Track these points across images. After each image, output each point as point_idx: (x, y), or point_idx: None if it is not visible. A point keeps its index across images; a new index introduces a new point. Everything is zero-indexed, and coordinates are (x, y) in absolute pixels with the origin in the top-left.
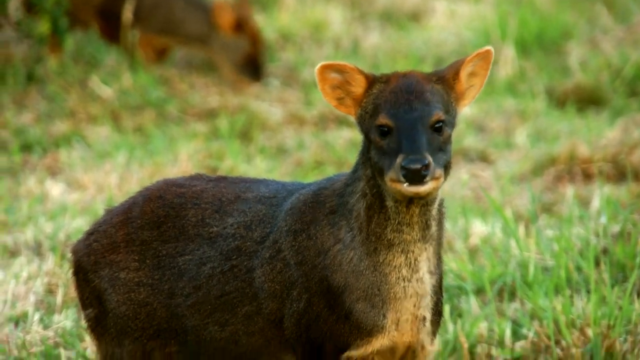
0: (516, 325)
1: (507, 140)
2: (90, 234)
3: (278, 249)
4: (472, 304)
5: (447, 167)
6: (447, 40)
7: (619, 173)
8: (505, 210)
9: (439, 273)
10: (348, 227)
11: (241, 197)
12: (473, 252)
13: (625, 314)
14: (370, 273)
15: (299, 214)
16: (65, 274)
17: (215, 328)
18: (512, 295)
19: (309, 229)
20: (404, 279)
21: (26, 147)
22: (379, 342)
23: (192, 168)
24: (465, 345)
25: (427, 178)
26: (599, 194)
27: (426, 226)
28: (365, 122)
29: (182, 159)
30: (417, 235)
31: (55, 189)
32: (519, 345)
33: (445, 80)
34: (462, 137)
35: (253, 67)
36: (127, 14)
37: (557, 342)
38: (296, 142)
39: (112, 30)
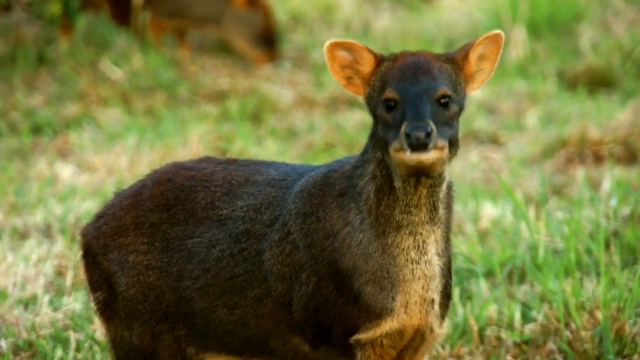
0: (526, 308)
1: (518, 123)
2: (99, 216)
3: (287, 232)
4: (481, 286)
5: (452, 143)
6: (458, 22)
7: (630, 155)
8: (515, 193)
9: (447, 256)
10: (357, 210)
11: (251, 180)
12: (483, 235)
13: (635, 297)
14: (379, 255)
15: (308, 196)
16: (75, 257)
17: (224, 311)
18: (522, 278)
19: (318, 212)
20: (412, 261)
21: (36, 129)
22: (388, 325)
23: (202, 150)
24: (475, 328)
25: (430, 145)
26: (610, 176)
27: (434, 208)
28: (373, 100)
29: (192, 141)
30: (425, 217)
31: (66, 171)
32: (529, 328)
33: (455, 61)
34: (473, 119)
35: (268, 41)
36: None
37: (567, 325)
38: (307, 124)
39: (122, 13)
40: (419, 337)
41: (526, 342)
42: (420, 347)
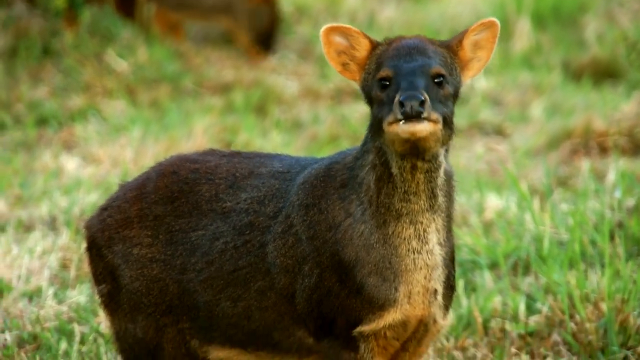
0: (530, 300)
1: (523, 114)
2: (104, 209)
3: (290, 224)
4: (486, 278)
5: (446, 122)
6: (463, 13)
7: (635, 146)
8: (520, 184)
9: (449, 246)
10: (358, 201)
11: (255, 172)
12: (487, 226)
13: None
14: (380, 246)
15: (311, 188)
16: (80, 249)
17: (227, 303)
18: (527, 270)
19: (320, 203)
20: (413, 251)
21: (41, 121)
22: (391, 317)
23: (207, 142)
24: (479, 320)
25: (424, 114)
26: (615, 167)
27: (432, 195)
28: (368, 83)
29: (197, 133)
30: (424, 204)
31: (71, 164)
32: (533, 319)
33: (450, 46)
34: (478, 110)
35: (268, 37)
36: None
37: (571, 317)
38: (311, 116)
39: (127, 5)
40: (422, 329)
41: (531, 334)
42: (423, 339)
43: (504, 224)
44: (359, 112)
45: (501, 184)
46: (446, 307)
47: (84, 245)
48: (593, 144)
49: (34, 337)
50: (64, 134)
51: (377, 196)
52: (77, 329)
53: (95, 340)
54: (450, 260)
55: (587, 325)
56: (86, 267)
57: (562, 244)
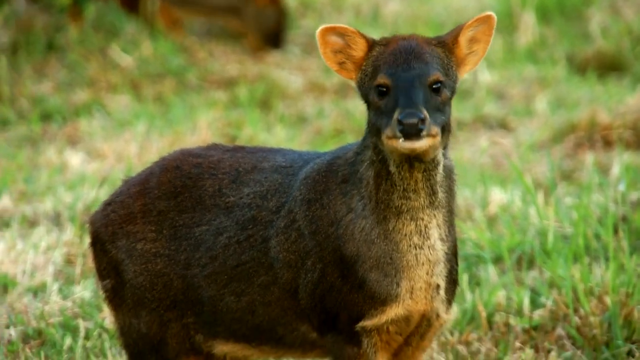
0: (534, 294)
1: (527, 108)
2: (107, 204)
3: (293, 219)
4: (490, 272)
5: (445, 129)
6: (468, 6)
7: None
8: (524, 178)
9: (451, 241)
10: (359, 196)
11: (258, 167)
12: (492, 221)
13: None
14: (381, 241)
15: (313, 183)
16: (85, 245)
17: (231, 298)
18: (531, 264)
19: (322, 199)
20: (415, 247)
21: (46, 116)
22: (393, 312)
23: (211, 137)
24: (484, 314)
25: (424, 133)
26: (619, 161)
27: (432, 192)
28: (364, 85)
29: (201, 128)
30: (424, 201)
31: (75, 159)
32: (537, 313)
33: (445, 44)
34: (482, 104)
35: (275, 36)
36: None
37: (576, 311)
38: (316, 111)
39: (131, 0)
40: (425, 323)
41: (535, 328)
42: (427, 333)
43: (508, 218)
44: (364, 106)
45: (505, 178)
46: (449, 301)
47: (88, 240)
48: (597, 138)
49: (39, 333)
50: (68, 129)
51: (376, 192)
52: (82, 324)
53: (99, 335)
54: (452, 255)
55: (592, 319)
56: (91, 263)
57: (567, 238)
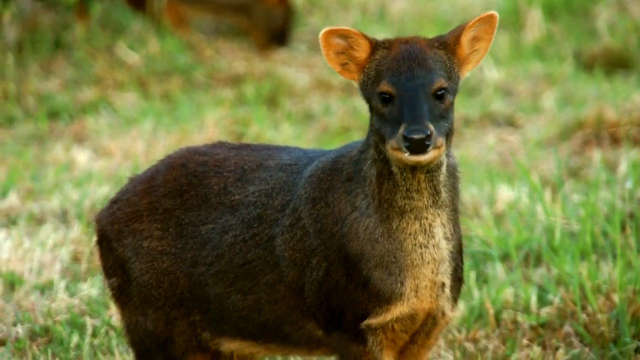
0: (542, 291)
1: (535, 105)
2: (113, 202)
3: (298, 217)
4: (497, 269)
5: (448, 135)
6: (474, 3)
7: None
8: (531, 175)
9: (456, 239)
10: (363, 194)
11: (263, 165)
12: (499, 218)
13: None
14: (385, 240)
15: (318, 181)
16: (91, 242)
17: (238, 296)
18: (538, 261)
19: (327, 197)
20: (420, 246)
21: (53, 114)
22: (398, 310)
23: (218, 134)
24: (491, 311)
25: (430, 148)
26: (626, 158)
27: (435, 192)
28: (367, 88)
29: (208, 126)
30: (427, 201)
31: (82, 156)
32: (545, 311)
33: (447, 45)
34: (489, 101)
35: (282, 35)
36: None
37: (583, 308)
38: (323, 108)
39: None
40: (430, 321)
41: (542, 325)
42: (432, 331)
43: (516, 215)
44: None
45: (512, 175)
46: (454, 299)
47: (94, 238)
48: (605, 135)
49: (46, 330)
50: (75, 126)
51: (379, 191)
52: (89, 322)
53: (107, 333)
54: (457, 253)
55: (599, 316)
56: (97, 260)
57: (574, 235)
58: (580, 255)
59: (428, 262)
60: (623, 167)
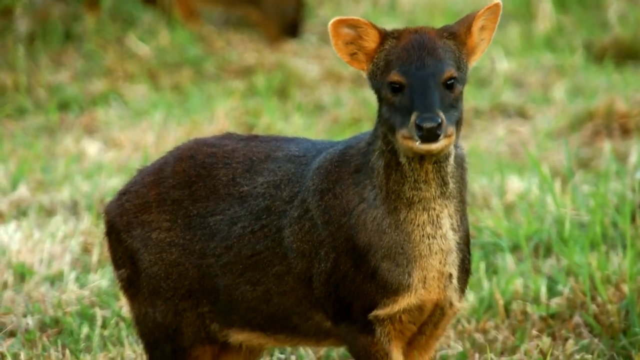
0: (552, 282)
1: (545, 96)
2: (122, 194)
3: (306, 209)
4: (507, 260)
5: (458, 124)
6: None
7: None
8: (541, 166)
9: (463, 230)
10: (371, 186)
11: (271, 156)
12: (509, 209)
13: None
14: (392, 232)
15: (326, 173)
16: (101, 234)
17: (246, 287)
18: (548, 252)
19: (335, 189)
20: (428, 237)
21: (63, 106)
22: (406, 301)
23: (229, 126)
24: (501, 302)
25: (441, 137)
26: (636, 149)
27: (443, 182)
28: (376, 78)
29: (219, 117)
30: (435, 192)
31: (92, 148)
32: (555, 301)
33: (457, 35)
34: (500, 92)
35: (294, 27)
36: None
37: (593, 299)
38: (333, 99)
39: None
40: (438, 312)
41: (552, 316)
42: (440, 322)
43: (526, 206)
44: None
45: (523, 166)
46: (462, 290)
47: (103, 230)
48: (615, 126)
49: (56, 322)
50: (85, 118)
51: (387, 182)
52: (99, 313)
53: (117, 324)
54: (465, 244)
55: (609, 307)
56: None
57: (584, 226)
58: (590, 246)
59: (436, 253)
60: (633, 158)
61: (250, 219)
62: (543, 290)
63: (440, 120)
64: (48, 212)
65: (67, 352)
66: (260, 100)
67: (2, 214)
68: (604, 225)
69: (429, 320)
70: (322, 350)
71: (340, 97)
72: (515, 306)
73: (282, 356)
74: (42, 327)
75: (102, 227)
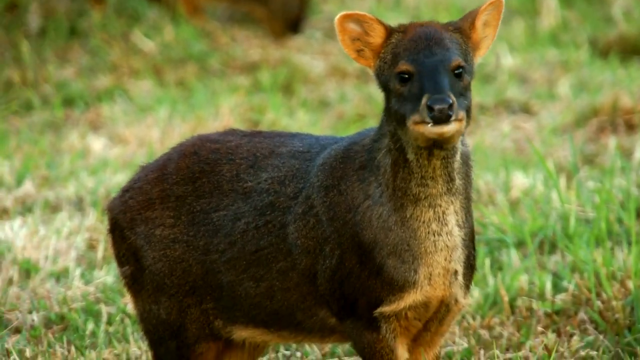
0: (557, 278)
1: (550, 91)
2: (125, 190)
3: (310, 205)
4: (512, 256)
5: (468, 113)
6: None
7: None
8: (547, 162)
9: (468, 227)
10: (377, 183)
11: (275, 152)
12: (514, 205)
13: None
14: (398, 228)
15: (330, 169)
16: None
17: (250, 284)
18: (553, 248)
19: (339, 185)
20: (434, 233)
21: (68, 102)
22: (412, 298)
23: (233, 122)
24: (506, 299)
25: (452, 118)
26: None
27: (450, 179)
28: (384, 73)
29: (223, 113)
30: (442, 188)
31: (97, 144)
32: (560, 298)
33: (462, 30)
34: (505, 88)
35: (297, 22)
36: None
37: (598, 295)
38: (338, 95)
39: None
40: (444, 309)
41: (557, 312)
42: (445, 318)
43: (531, 202)
44: None
45: (528, 162)
46: (467, 286)
47: (107, 227)
48: (620, 122)
49: (61, 318)
50: (90, 114)
51: (394, 180)
52: (104, 309)
53: (122, 320)
54: (470, 241)
55: (614, 303)
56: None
57: (589, 222)
58: (595, 242)
59: (441, 250)
60: (638, 154)
61: (254, 214)
62: (548, 286)
63: (451, 101)
64: (53, 208)
65: (73, 348)
66: (265, 96)
67: (8, 210)
68: (609, 221)
69: (434, 317)
70: (327, 347)
71: (345, 93)
72: (521, 302)
73: (288, 353)
74: (48, 323)
75: (106, 223)
